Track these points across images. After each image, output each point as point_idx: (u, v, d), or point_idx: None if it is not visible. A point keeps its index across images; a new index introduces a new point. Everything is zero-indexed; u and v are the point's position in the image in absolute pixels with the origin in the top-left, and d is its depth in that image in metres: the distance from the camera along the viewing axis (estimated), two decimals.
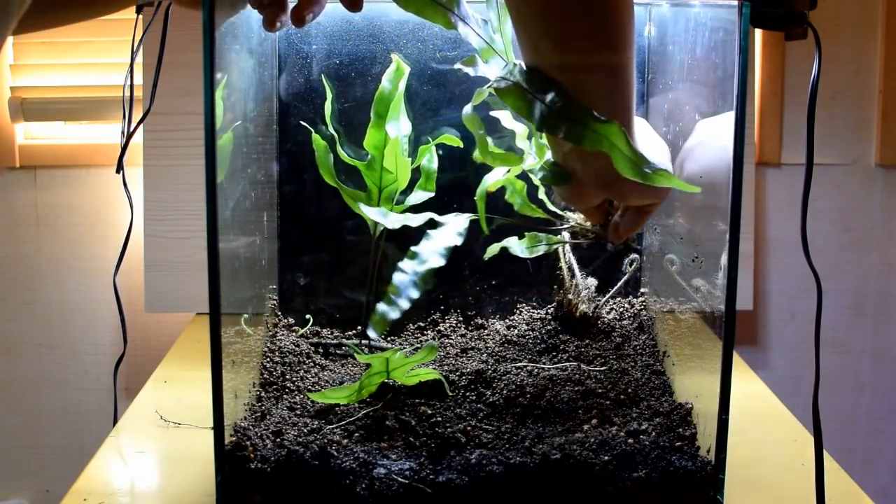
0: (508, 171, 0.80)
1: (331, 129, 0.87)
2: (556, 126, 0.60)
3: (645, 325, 0.90)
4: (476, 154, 0.75)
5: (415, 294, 0.67)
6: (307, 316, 0.93)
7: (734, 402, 0.63)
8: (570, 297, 0.91)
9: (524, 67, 0.62)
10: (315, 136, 0.85)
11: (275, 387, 0.77)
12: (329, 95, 0.86)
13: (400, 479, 0.63)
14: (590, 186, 0.66)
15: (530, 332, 0.88)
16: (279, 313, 0.94)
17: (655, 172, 0.59)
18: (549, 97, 0.60)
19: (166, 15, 0.99)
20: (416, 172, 0.86)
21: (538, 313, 0.94)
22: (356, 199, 0.87)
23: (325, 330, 0.93)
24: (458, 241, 0.72)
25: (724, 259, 0.64)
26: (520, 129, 0.82)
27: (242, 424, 0.69)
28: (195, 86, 1.11)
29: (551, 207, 0.84)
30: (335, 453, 0.64)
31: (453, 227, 0.73)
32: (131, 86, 1.09)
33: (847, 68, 1.26)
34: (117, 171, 1.09)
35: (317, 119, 0.92)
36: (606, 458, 0.64)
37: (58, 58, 1.25)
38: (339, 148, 0.87)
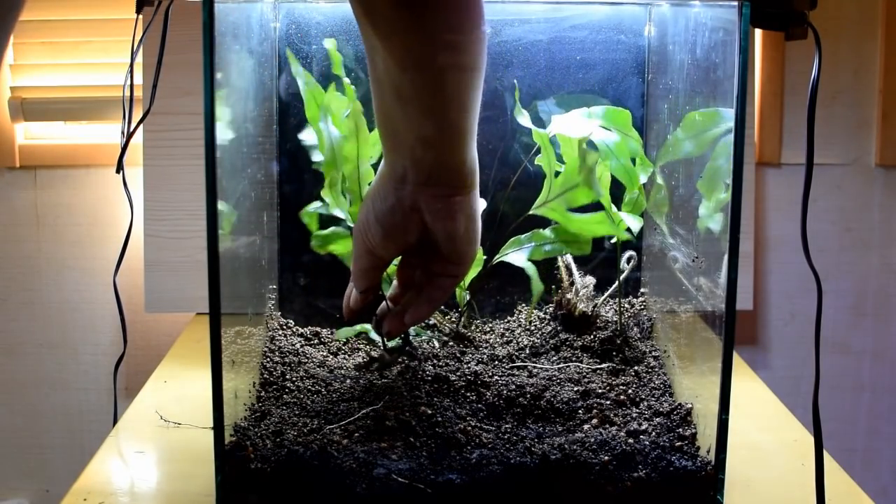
0: None
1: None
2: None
3: (645, 325, 0.90)
4: None
5: None
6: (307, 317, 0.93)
7: (734, 402, 0.63)
8: (569, 296, 0.91)
9: None
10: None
11: (275, 387, 0.77)
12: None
13: (400, 479, 0.63)
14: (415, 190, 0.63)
15: (530, 332, 0.88)
16: (279, 313, 0.94)
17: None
18: None
19: (166, 15, 0.99)
20: None
21: (537, 313, 0.94)
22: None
23: (325, 330, 0.93)
24: None
25: (724, 259, 0.64)
26: None
27: (242, 424, 0.69)
28: (195, 86, 1.11)
29: None
30: (335, 453, 0.64)
31: None
32: (131, 86, 1.08)
33: (847, 68, 1.26)
34: (117, 171, 1.09)
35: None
36: (606, 458, 0.64)
37: (58, 58, 1.25)
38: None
